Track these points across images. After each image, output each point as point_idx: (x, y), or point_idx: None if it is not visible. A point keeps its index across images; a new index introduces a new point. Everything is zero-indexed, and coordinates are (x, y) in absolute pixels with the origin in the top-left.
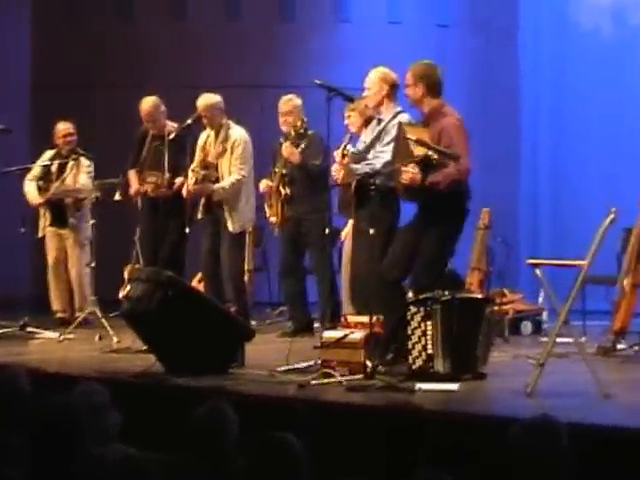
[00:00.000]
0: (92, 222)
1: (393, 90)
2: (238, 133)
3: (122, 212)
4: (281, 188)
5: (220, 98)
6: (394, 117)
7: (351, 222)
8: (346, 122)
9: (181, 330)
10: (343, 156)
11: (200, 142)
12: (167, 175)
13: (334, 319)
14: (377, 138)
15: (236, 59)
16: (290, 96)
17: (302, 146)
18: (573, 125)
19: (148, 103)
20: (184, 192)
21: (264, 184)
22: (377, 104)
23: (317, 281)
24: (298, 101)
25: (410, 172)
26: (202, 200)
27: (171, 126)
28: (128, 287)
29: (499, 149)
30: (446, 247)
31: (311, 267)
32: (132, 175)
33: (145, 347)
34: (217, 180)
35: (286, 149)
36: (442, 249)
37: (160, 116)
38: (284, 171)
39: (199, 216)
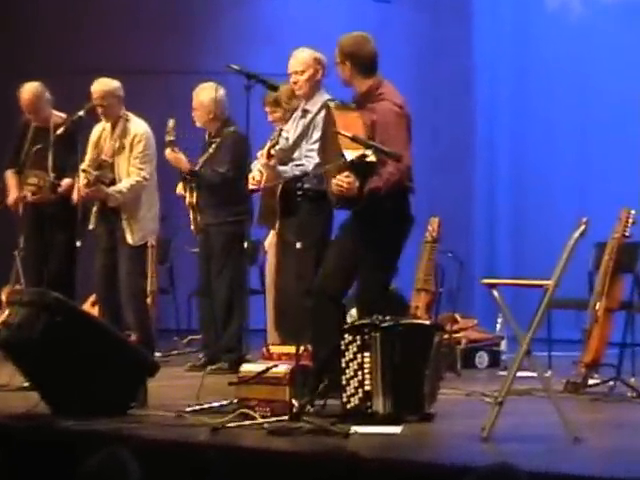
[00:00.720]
0: None
1: (323, 75)
2: (139, 127)
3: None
4: (187, 194)
5: (119, 84)
6: (323, 107)
7: (273, 233)
8: (270, 118)
9: (70, 363)
10: (269, 156)
11: (93, 137)
12: (51, 176)
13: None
14: (304, 134)
15: (133, 39)
16: (204, 85)
17: (210, 150)
18: (537, 118)
19: (29, 91)
20: (74, 196)
21: (180, 187)
22: (311, 91)
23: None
24: (216, 92)
25: (344, 183)
26: (95, 206)
27: (58, 117)
28: (6, 312)
29: (449, 145)
30: (390, 257)
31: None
32: (10, 177)
33: (27, 383)
34: (113, 182)
35: (169, 155)
36: (386, 259)
37: (44, 106)
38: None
39: (91, 226)
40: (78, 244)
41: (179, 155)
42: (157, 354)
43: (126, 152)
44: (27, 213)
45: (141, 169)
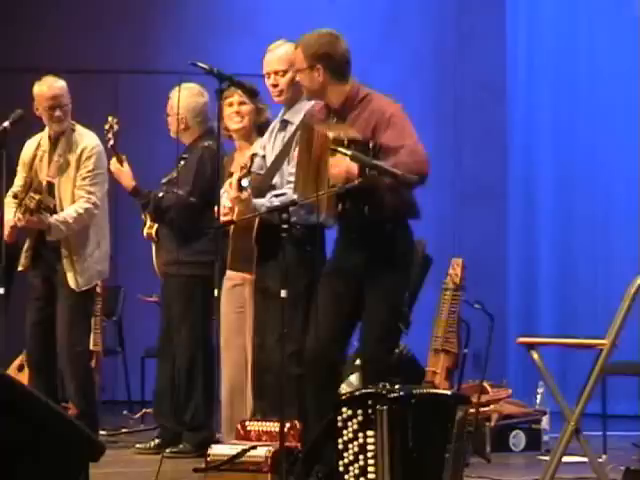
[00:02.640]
0: None
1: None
2: (88, 139)
3: None
4: (146, 223)
5: (64, 84)
6: None
7: (227, 277)
8: (234, 126)
9: None
10: (240, 188)
11: (25, 155)
12: None
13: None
14: (285, 152)
15: (77, 33)
16: (185, 86)
17: (182, 162)
18: (587, 134)
19: None
20: (5, 229)
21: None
22: (294, 97)
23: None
24: (197, 97)
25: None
26: (27, 242)
27: None
28: None
29: (477, 171)
30: (399, 297)
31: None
32: None
33: None
34: (54, 210)
35: (112, 166)
36: (394, 301)
37: None
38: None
39: (20, 268)
40: (1, 291)
41: (123, 167)
42: (102, 432)
43: (71, 171)
44: None
45: (90, 193)
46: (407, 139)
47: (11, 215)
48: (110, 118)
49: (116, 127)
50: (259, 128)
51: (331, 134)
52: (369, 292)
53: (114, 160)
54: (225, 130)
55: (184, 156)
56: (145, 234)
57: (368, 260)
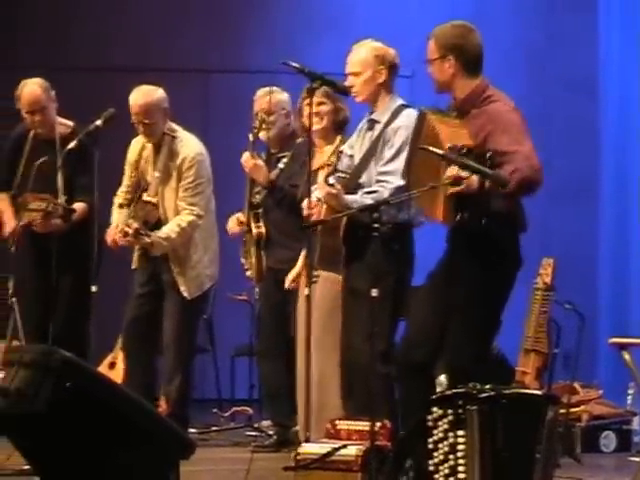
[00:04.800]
0: None
1: (392, 75)
2: (189, 147)
3: None
4: (252, 225)
5: (163, 94)
6: (395, 116)
7: (300, 266)
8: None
9: (82, 441)
10: (328, 185)
11: (131, 155)
12: (62, 199)
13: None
14: (372, 151)
15: (168, 32)
16: (270, 89)
17: (285, 160)
18: None
19: (32, 85)
20: (108, 239)
21: (234, 222)
22: (370, 96)
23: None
24: (281, 95)
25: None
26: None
27: (63, 126)
28: (1, 375)
29: (568, 169)
30: (495, 307)
31: None
32: (3, 201)
33: (27, 466)
34: (158, 222)
35: (246, 162)
36: (489, 310)
37: (50, 104)
38: (257, 198)
39: (133, 265)
40: (94, 289)
41: (260, 162)
42: (192, 430)
43: (173, 181)
44: (25, 248)
45: (193, 205)
46: (522, 145)
47: (114, 223)
48: (260, 115)
49: (262, 119)
50: (338, 126)
51: (447, 144)
52: (460, 297)
53: (248, 156)
54: (302, 129)
55: (281, 155)
56: (256, 232)
57: (468, 265)
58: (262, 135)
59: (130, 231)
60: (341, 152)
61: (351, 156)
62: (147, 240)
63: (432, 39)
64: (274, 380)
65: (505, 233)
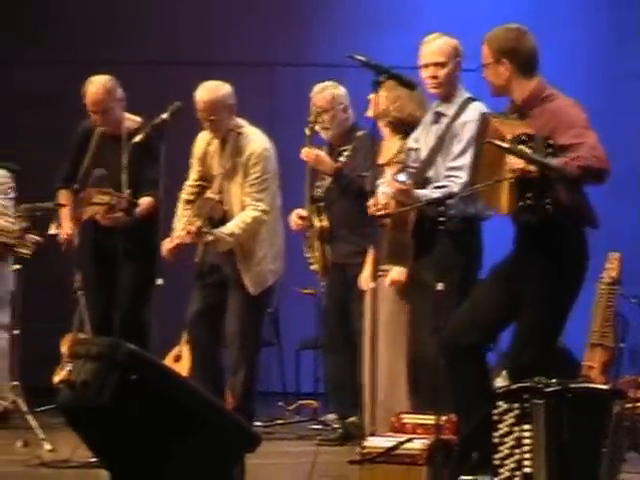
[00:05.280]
0: (15, 267)
1: (460, 67)
2: (255, 143)
3: (58, 252)
4: (314, 219)
5: (230, 89)
6: (462, 109)
7: (369, 263)
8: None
9: (147, 433)
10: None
11: (198, 150)
12: (126, 192)
13: None
14: (439, 144)
15: (235, 26)
16: (326, 84)
17: (346, 153)
18: None
19: (96, 85)
20: (163, 250)
21: (296, 216)
22: (450, 88)
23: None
24: (338, 90)
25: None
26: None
27: (132, 121)
28: (68, 367)
29: (634, 162)
30: (561, 304)
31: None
32: (65, 198)
33: (93, 459)
34: (223, 217)
35: (307, 154)
36: (554, 307)
37: (115, 104)
38: (318, 191)
39: (196, 258)
40: (160, 282)
41: (320, 151)
42: (257, 424)
43: (239, 177)
44: (88, 242)
45: (259, 200)
46: (586, 137)
47: (180, 225)
48: (315, 109)
49: (318, 112)
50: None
51: (508, 135)
52: (528, 294)
53: (308, 149)
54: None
55: (343, 149)
56: (318, 226)
57: (536, 261)
58: (323, 134)
59: (193, 229)
60: (409, 149)
61: (416, 149)
62: (210, 238)
63: (485, 44)
64: (338, 373)
65: (573, 228)
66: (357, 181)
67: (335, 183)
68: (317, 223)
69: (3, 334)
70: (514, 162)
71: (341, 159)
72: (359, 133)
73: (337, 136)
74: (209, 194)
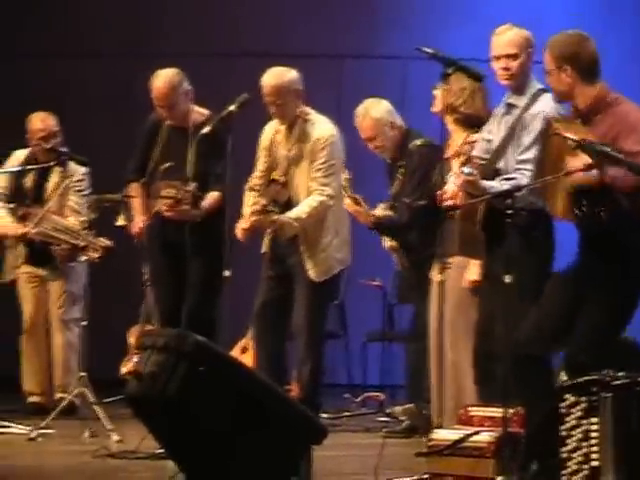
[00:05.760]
0: (84, 259)
1: (532, 58)
2: (322, 129)
3: (125, 244)
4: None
5: (296, 75)
6: (533, 100)
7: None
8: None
9: (215, 425)
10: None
11: (264, 140)
12: (192, 185)
13: None
14: (510, 135)
15: (302, 17)
16: (361, 110)
17: (401, 171)
18: None
19: (163, 79)
20: (237, 232)
21: (351, 199)
22: (524, 79)
23: None
24: (377, 112)
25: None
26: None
27: (199, 114)
28: (135, 358)
29: None
30: (623, 305)
31: None
32: (135, 194)
33: (160, 450)
34: (288, 202)
35: (348, 206)
36: (616, 308)
37: (181, 99)
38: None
39: (263, 249)
40: (227, 274)
41: (359, 207)
42: (323, 415)
43: (305, 162)
44: (157, 235)
45: (325, 185)
46: None
47: (247, 210)
48: (347, 175)
49: (349, 180)
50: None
51: (568, 135)
52: (590, 295)
53: (349, 202)
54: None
55: (400, 164)
56: (388, 247)
57: (598, 263)
58: (382, 156)
59: (258, 207)
60: (473, 141)
61: (489, 140)
62: (275, 217)
63: (547, 50)
64: (415, 360)
65: (633, 233)
66: (395, 219)
67: (381, 231)
68: (387, 242)
69: (74, 328)
70: (573, 164)
71: (399, 176)
72: (412, 145)
73: (393, 153)
74: (274, 175)
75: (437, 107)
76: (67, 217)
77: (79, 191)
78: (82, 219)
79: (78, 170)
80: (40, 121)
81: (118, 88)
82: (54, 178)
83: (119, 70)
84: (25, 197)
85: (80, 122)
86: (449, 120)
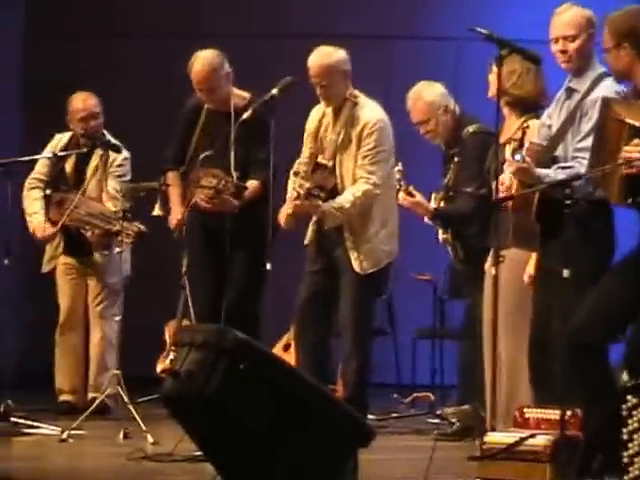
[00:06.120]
0: (121, 249)
1: (593, 41)
2: (371, 113)
3: (162, 235)
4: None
5: (345, 55)
6: (595, 85)
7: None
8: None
9: (257, 426)
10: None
11: (310, 125)
12: (234, 175)
13: None
14: (569, 121)
15: None
16: (417, 89)
17: (455, 159)
18: None
19: (202, 61)
20: (280, 218)
21: (404, 192)
22: (583, 62)
23: None
24: (430, 95)
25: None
26: (313, 219)
27: (240, 98)
28: (172, 355)
29: None
30: None
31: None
32: (173, 183)
33: (198, 453)
34: (334, 190)
35: (404, 199)
36: None
37: (222, 82)
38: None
39: (306, 241)
40: (268, 267)
41: (415, 199)
42: (370, 417)
43: (352, 148)
44: (196, 226)
45: (371, 173)
46: None
47: (289, 195)
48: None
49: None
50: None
51: (630, 121)
52: None
53: (402, 195)
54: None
55: (453, 152)
56: (441, 240)
57: None
58: (433, 142)
59: (302, 192)
60: (526, 126)
61: (549, 126)
62: (319, 203)
63: (606, 27)
64: (468, 358)
65: None
66: (457, 209)
67: (441, 223)
68: (441, 235)
69: (114, 325)
70: (629, 153)
71: (451, 165)
72: (465, 132)
73: (446, 139)
74: (321, 159)
75: (491, 91)
76: (105, 203)
77: (119, 176)
78: (120, 204)
79: (119, 154)
80: (81, 101)
81: (156, 70)
82: (94, 162)
83: (164, 49)
84: (65, 182)
85: (117, 105)
86: (502, 104)
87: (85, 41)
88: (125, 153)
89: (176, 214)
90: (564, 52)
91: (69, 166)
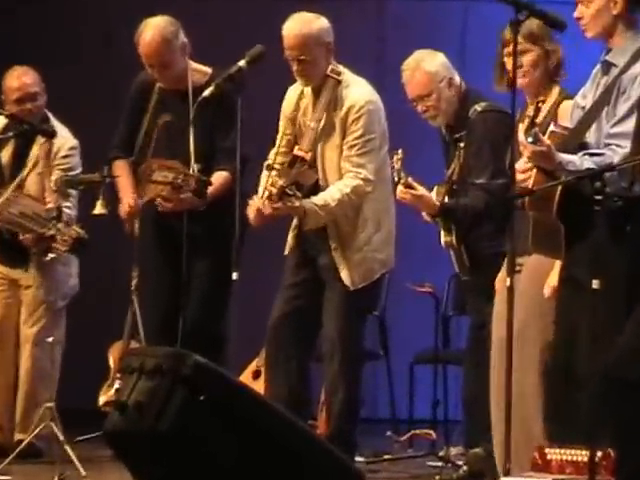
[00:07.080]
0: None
1: (633, 6)
2: (358, 93)
3: (107, 237)
4: (442, 232)
5: (327, 24)
6: (635, 59)
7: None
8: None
9: (220, 468)
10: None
11: (287, 107)
12: (194, 167)
13: None
14: (604, 100)
15: None
16: (414, 58)
17: (461, 145)
18: None
19: (152, 32)
20: (249, 214)
21: (403, 185)
22: (603, 30)
23: None
24: (431, 65)
25: None
26: (293, 223)
27: (200, 73)
28: (117, 384)
29: None
30: None
31: None
32: (122, 171)
33: None
34: (316, 187)
35: (402, 195)
36: None
37: (177, 55)
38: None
39: (286, 250)
40: (235, 276)
41: (418, 192)
42: (359, 459)
43: (336, 136)
44: (149, 224)
45: (360, 166)
46: None
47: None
48: (400, 155)
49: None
50: (553, 74)
51: None
52: None
53: (401, 188)
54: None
55: (458, 136)
56: (444, 243)
57: None
58: (432, 123)
59: (274, 190)
60: (542, 100)
61: (583, 107)
62: (297, 204)
63: None
64: (477, 387)
65: None
66: (466, 205)
67: (446, 221)
68: (444, 237)
69: (50, 351)
70: None
71: (458, 152)
72: (472, 112)
73: (449, 119)
74: (297, 151)
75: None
76: (48, 201)
77: (65, 170)
78: (65, 204)
79: (65, 143)
80: (16, 78)
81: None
82: (35, 152)
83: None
84: (1, 174)
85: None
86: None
87: (20, 7)
88: (72, 141)
89: (128, 200)
90: (579, 18)
91: (6, 156)
